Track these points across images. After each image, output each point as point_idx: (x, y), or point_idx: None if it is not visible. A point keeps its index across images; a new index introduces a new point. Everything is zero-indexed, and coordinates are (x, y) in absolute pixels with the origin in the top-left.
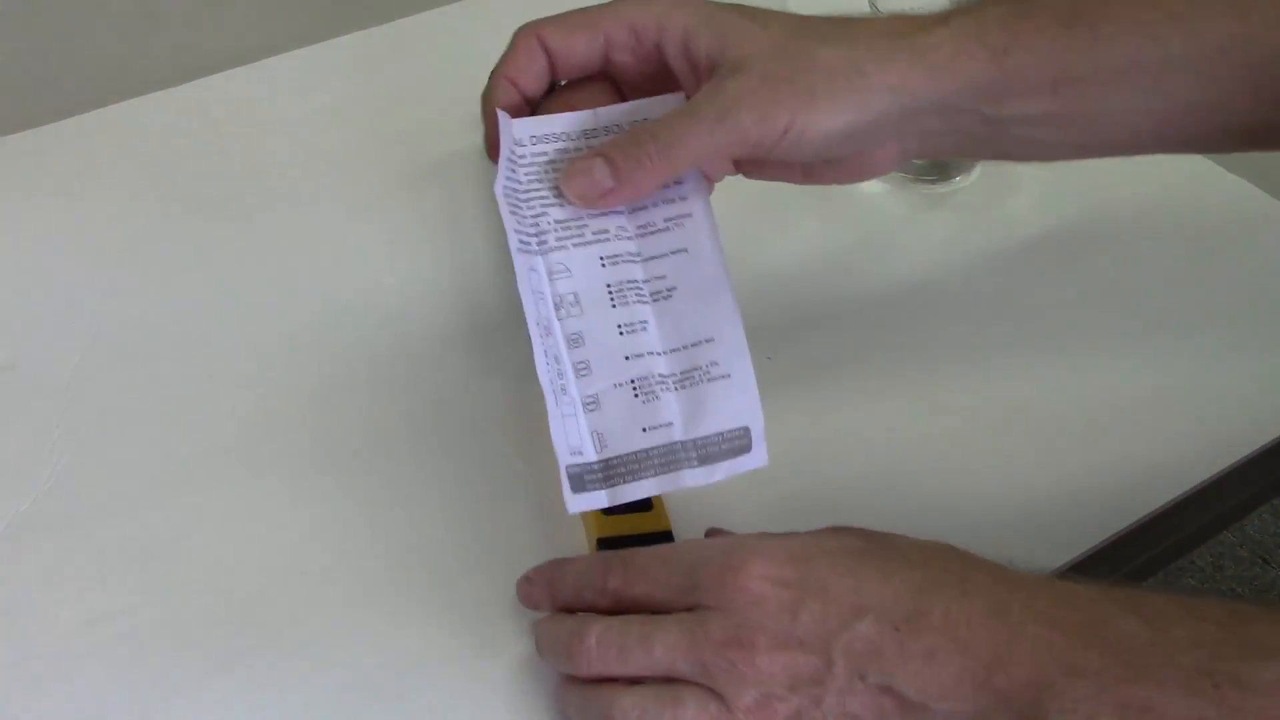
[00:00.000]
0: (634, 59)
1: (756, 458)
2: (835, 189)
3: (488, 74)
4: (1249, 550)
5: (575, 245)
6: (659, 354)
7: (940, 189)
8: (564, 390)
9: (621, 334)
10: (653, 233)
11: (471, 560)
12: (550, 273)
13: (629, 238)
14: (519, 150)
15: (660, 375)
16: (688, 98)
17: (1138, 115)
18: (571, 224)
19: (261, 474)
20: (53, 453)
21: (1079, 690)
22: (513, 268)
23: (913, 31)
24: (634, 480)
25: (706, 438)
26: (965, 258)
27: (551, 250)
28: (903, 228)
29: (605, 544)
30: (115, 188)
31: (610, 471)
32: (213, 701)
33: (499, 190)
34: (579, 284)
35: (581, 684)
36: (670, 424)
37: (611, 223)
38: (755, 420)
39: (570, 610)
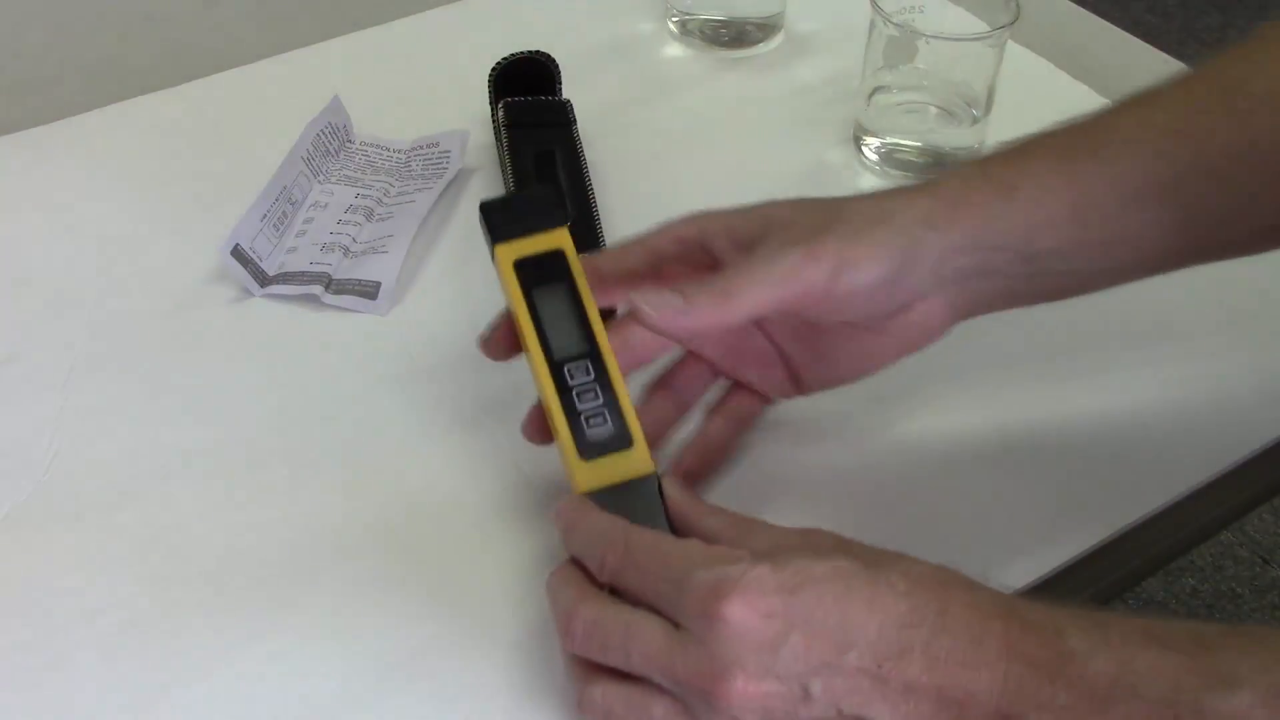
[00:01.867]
0: (682, 265)
1: (379, 306)
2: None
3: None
4: (1249, 550)
5: (346, 185)
6: (355, 239)
7: None
8: (276, 228)
9: (339, 223)
10: (399, 194)
11: (473, 548)
12: (320, 190)
13: (384, 192)
14: (350, 143)
15: (344, 247)
16: None
17: (1164, 230)
18: (355, 179)
19: (260, 464)
20: (51, 445)
21: None
22: None
23: (927, 185)
24: (282, 285)
25: (347, 280)
26: None
27: (327, 182)
28: None
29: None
30: (115, 187)
31: (270, 281)
32: (212, 691)
33: (306, 137)
34: (333, 199)
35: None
36: (331, 266)
37: (379, 184)
38: (389, 281)
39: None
